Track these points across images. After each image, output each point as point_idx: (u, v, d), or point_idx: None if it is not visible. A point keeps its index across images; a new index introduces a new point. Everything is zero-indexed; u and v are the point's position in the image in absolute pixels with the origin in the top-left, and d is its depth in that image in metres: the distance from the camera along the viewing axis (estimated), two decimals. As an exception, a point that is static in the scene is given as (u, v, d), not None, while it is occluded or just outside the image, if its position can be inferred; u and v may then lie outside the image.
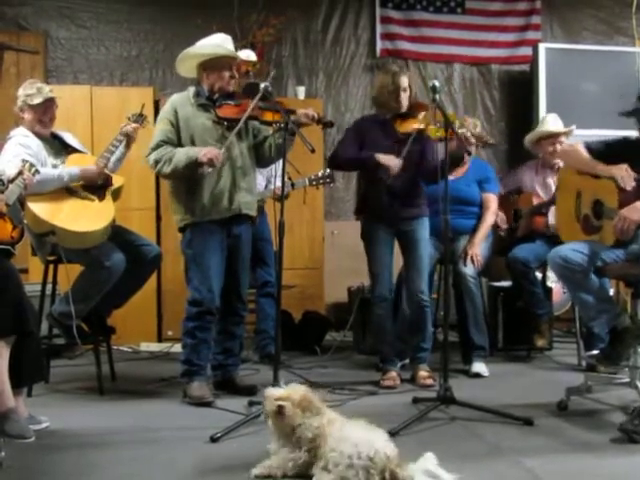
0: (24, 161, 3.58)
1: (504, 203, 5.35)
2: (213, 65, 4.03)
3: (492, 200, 5.02)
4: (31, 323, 3.37)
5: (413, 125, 4.26)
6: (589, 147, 3.79)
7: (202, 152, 3.83)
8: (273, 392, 2.82)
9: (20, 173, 3.47)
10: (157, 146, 3.98)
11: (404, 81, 4.33)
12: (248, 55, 5.48)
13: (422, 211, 4.46)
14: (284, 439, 2.78)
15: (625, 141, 3.81)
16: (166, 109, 4.09)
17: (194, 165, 3.85)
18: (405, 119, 4.33)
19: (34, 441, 3.25)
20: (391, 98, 4.33)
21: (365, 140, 4.42)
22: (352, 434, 2.59)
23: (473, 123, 4.96)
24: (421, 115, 4.29)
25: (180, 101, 4.07)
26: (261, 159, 4.16)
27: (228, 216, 3.99)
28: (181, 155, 3.89)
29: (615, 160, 3.63)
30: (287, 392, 2.79)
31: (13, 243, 3.40)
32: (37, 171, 3.60)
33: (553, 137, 5.13)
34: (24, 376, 3.43)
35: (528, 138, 5.32)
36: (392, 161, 4.23)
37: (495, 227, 5.21)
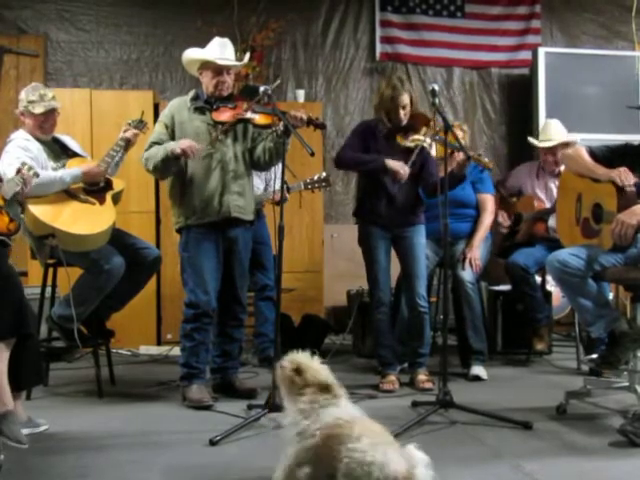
0: (23, 163, 3.60)
1: (504, 204, 5.37)
2: (206, 69, 4.07)
3: (488, 200, 5.02)
4: (31, 325, 3.38)
5: (413, 138, 4.27)
6: (592, 151, 3.79)
7: (178, 144, 3.90)
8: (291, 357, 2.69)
9: (18, 171, 3.50)
10: (150, 147, 4.06)
11: (404, 100, 4.30)
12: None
13: (419, 219, 4.48)
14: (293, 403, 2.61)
15: (627, 146, 3.81)
16: (165, 112, 4.17)
17: (171, 158, 3.91)
18: (406, 132, 4.34)
19: (33, 444, 3.24)
20: (389, 114, 4.34)
21: (369, 148, 4.41)
22: (366, 447, 2.51)
23: (458, 126, 4.98)
24: (423, 129, 4.29)
25: (178, 105, 4.13)
26: (257, 163, 4.15)
27: (219, 219, 4.00)
28: (161, 149, 3.96)
29: (617, 165, 3.63)
30: (298, 361, 2.68)
31: (9, 234, 3.45)
32: (36, 174, 3.62)
33: (544, 149, 5.16)
34: (23, 380, 3.42)
35: (531, 141, 5.37)
36: (401, 168, 4.25)
37: (496, 225, 5.23)
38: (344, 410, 2.59)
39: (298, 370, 2.64)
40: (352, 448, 2.45)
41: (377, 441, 2.49)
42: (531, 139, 5.40)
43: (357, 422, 2.55)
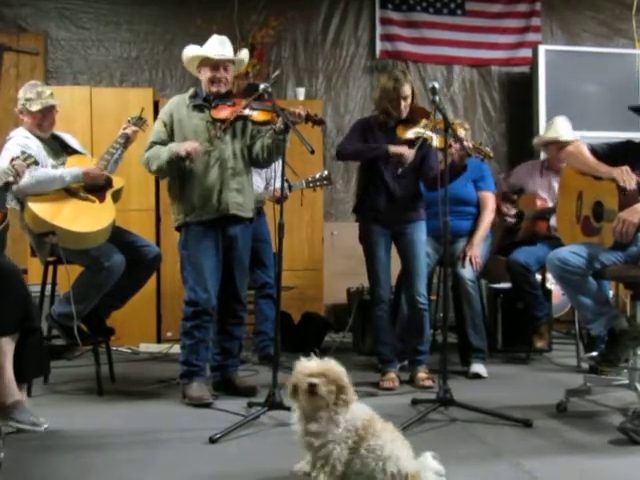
0: (23, 152, 3.63)
1: (505, 201, 5.36)
2: (204, 66, 4.07)
3: (489, 198, 5.01)
4: (36, 319, 3.42)
5: (414, 131, 4.26)
6: (593, 149, 3.78)
7: (182, 147, 3.90)
8: (305, 366, 2.60)
9: (11, 161, 3.51)
10: (149, 147, 4.06)
11: (405, 90, 4.30)
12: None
13: (420, 215, 4.47)
14: (308, 418, 2.60)
15: (628, 143, 3.81)
16: (164, 110, 4.16)
17: (176, 160, 3.91)
18: (406, 125, 4.33)
19: (33, 442, 3.25)
20: (391, 105, 4.33)
21: (369, 142, 4.41)
22: (384, 446, 2.52)
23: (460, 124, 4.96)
24: (423, 121, 4.29)
25: (177, 103, 4.13)
26: (256, 160, 4.15)
27: (217, 217, 4.00)
28: (165, 151, 3.95)
29: (618, 162, 3.63)
30: (321, 368, 2.61)
31: None
32: (35, 162, 3.64)
33: (560, 143, 5.13)
34: (24, 372, 3.45)
35: (536, 140, 5.35)
36: (404, 150, 4.24)
37: (501, 216, 5.22)
38: (360, 408, 2.67)
39: (327, 379, 2.61)
40: (373, 443, 2.49)
41: (394, 438, 2.54)
42: (544, 135, 5.33)
43: (375, 419, 2.60)
